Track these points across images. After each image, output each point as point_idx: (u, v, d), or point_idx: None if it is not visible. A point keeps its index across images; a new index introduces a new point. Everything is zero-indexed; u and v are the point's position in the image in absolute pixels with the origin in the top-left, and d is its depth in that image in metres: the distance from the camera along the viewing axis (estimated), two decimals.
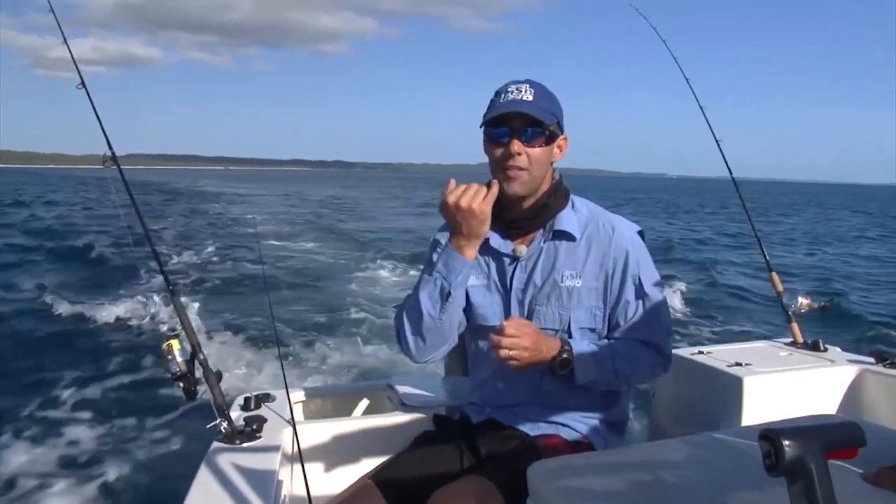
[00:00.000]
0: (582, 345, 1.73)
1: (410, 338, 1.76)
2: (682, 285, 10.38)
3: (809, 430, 0.80)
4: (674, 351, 1.98)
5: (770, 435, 0.79)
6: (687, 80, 3.18)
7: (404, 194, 53.28)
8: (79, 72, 2.32)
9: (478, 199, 1.61)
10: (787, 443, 0.78)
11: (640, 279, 1.78)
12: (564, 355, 1.67)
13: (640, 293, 1.78)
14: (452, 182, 1.64)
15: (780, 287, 2.97)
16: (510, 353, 1.59)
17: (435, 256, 1.81)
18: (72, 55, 2.40)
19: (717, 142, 3.16)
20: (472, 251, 1.68)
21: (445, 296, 1.69)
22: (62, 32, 2.47)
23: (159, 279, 2.11)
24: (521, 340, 1.60)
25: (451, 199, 1.62)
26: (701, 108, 3.17)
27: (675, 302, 8.98)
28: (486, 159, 1.77)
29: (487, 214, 1.64)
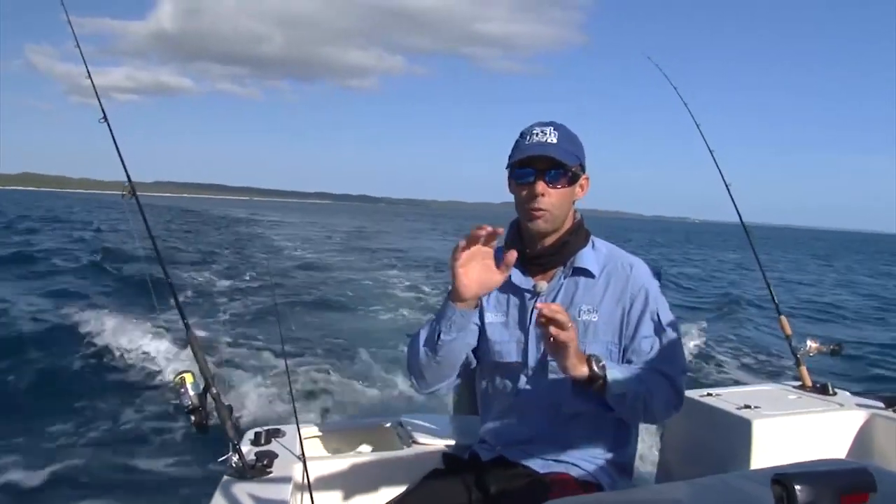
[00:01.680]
0: (612, 364, 1.70)
1: (413, 372, 1.84)
2: (701, 324, 10.28)
3: (822, 475, 0.81)
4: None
5: (783, 479, 0.79)
6: (697, 125, 3.22)
7: (430, 226, 52.95)
8: (101, 107, 2.36)
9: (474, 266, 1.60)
10: (799, 487, 0.79)
11: (657, 316, 1.80)
12: (601, 362, 1.64)
13: (658, 330, 1.79)
14: (480, 228, 1.58)
15: (788, 330, 2.96)
16: (558, 316, 1.53)
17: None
18: (96, 92, 2.45)
19: (726, 186, 3.19)
20: (461, 303, 1.67)
21: (436, 340, 1.71)
22: (87, 69, 2.53)
23: (175, 311, 2.12)
24: (563, 316, 1.56)
25: (454, 253, 1.60)
26: (711, 152, 3.20)
27: (693, 343, 8.88)
28: (508, 198, 1.83)
29: (483, 283, 1.63)
